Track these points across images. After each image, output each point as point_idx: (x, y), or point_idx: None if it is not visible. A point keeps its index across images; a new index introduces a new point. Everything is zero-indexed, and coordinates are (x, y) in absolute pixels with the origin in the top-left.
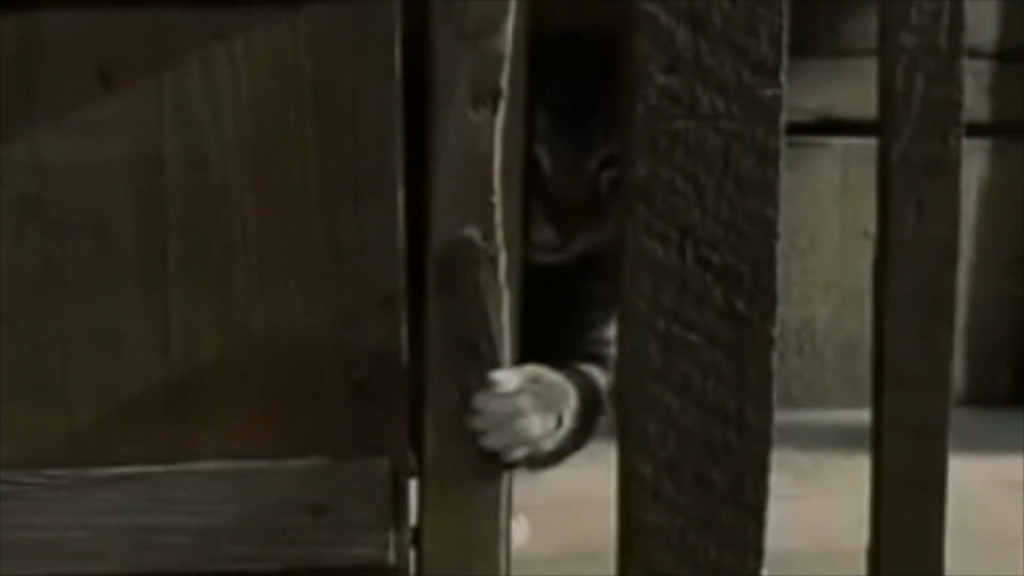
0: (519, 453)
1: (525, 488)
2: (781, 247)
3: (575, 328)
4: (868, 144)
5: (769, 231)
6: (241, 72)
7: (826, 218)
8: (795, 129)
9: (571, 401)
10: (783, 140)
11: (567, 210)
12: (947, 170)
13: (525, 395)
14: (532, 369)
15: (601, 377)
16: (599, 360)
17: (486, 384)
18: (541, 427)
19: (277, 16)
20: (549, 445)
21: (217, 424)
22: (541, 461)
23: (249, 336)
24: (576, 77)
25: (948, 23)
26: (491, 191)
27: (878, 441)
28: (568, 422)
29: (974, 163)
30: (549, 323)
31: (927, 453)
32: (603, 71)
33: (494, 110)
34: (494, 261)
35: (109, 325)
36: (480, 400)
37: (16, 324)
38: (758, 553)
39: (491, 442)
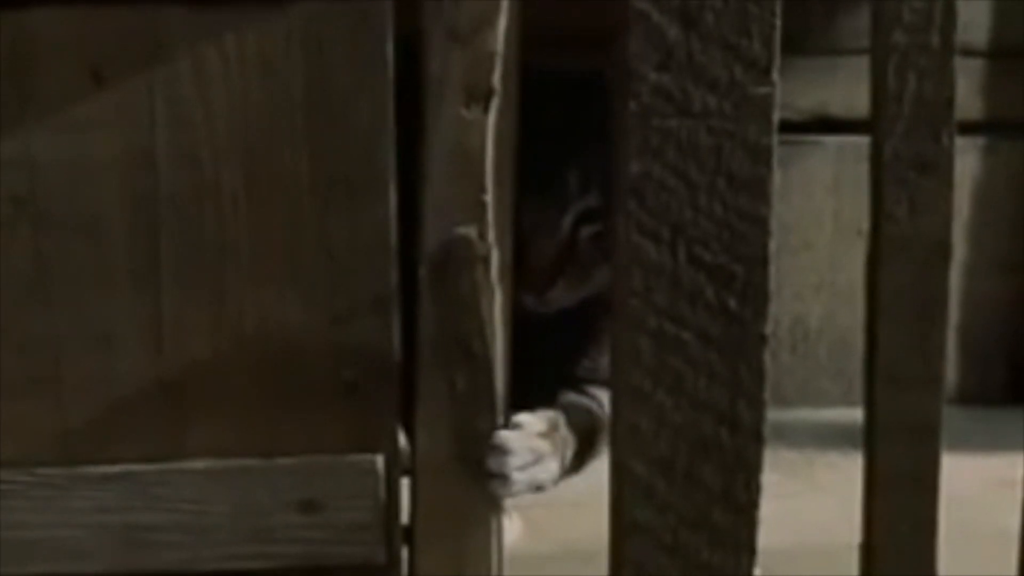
0: (523, 493)
1: None
2: (773, 245)
3: (566, 356)
4: (861, 142)
5: (762, 229)
6: (233, 70)
7: (819, 216)
8: (788, 127)
9: (572, 442)
10: (776, 138)
11: (538, 274)
12: (939, 168)
13: (547, 440)
14: (551, 414)
15: (603, 413)
16: (585, 391)
17: (511, 425)
18: (554, 471)
19: (269, 14)
20: (550, 487)
21: (209, 422)
22: None
23: (241, 334)
24: (550, 119)
25: (940, 21)
26: (483, 189)
27: (871, 439)
28: (568, 460)
29: (967, 161)
30: (539, 350)
31: (920, 451)
32: (583, 111)
33: (486, 108)
34: (486, 259)
35: (101, 323)
36: (505, 438)
37: (8, 322)
38: (750, 552)
39: (506, 488)
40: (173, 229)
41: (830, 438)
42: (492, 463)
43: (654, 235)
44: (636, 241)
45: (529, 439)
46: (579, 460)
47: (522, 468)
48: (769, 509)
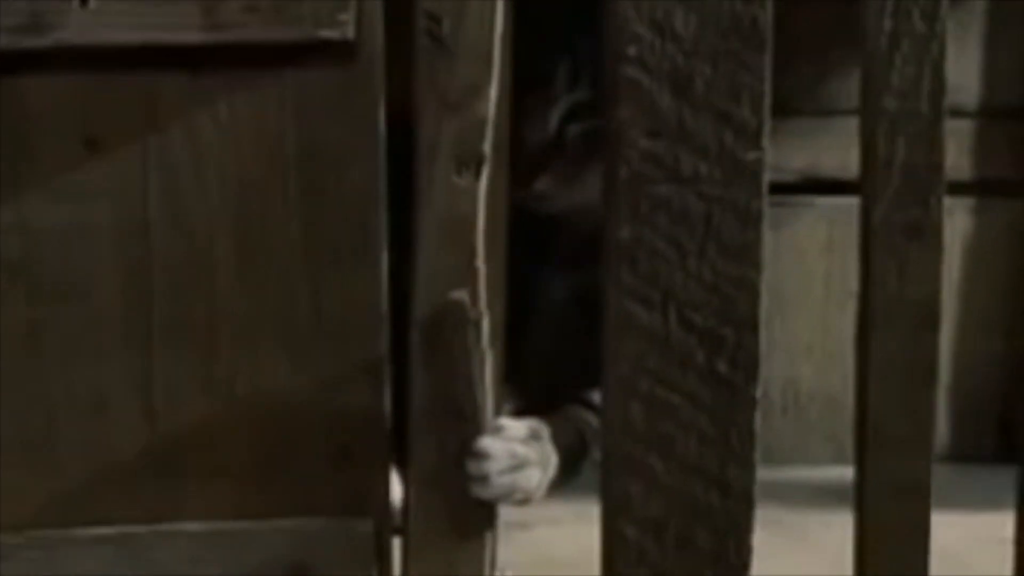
0: (510, 502)
1: (510, 546)
2: (764, 309)
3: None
4: (852, 203)
5: (752, 293)
6: (226, 137)
7: (810, 277)
8: (779, 188)
9: (554, 458)
10: (766, 202)
11: (524, 167)
12: (928, 234)
13: (530, 446)
14: (534, 423)
15: (593, 420)
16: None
17: (493, 429)
18: (538, 479)
19: (262, 82)
20: (537, 496)
21: (202, 486)
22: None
23: (233, 399)
24: (541, 12)
25: (929, 87)
26: (475, 255)
27: (861, 499)
28: (550, 473)
29: (957, 221)
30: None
31: (910, 511)
32: (574, 4)
33: (477, 175)
34: (478, 324)
35: (94, 388)
36: (486, 444)
37: (2, 386)
38: None
39: (487, 491)
40: (166, 295)
41: (822, 497)
42: (472, 467)
43: (645, 300)
44: (627, 306)
45: (510, 443)
46: (563, 472)
47: (501, 472)
48: (761, 568)
